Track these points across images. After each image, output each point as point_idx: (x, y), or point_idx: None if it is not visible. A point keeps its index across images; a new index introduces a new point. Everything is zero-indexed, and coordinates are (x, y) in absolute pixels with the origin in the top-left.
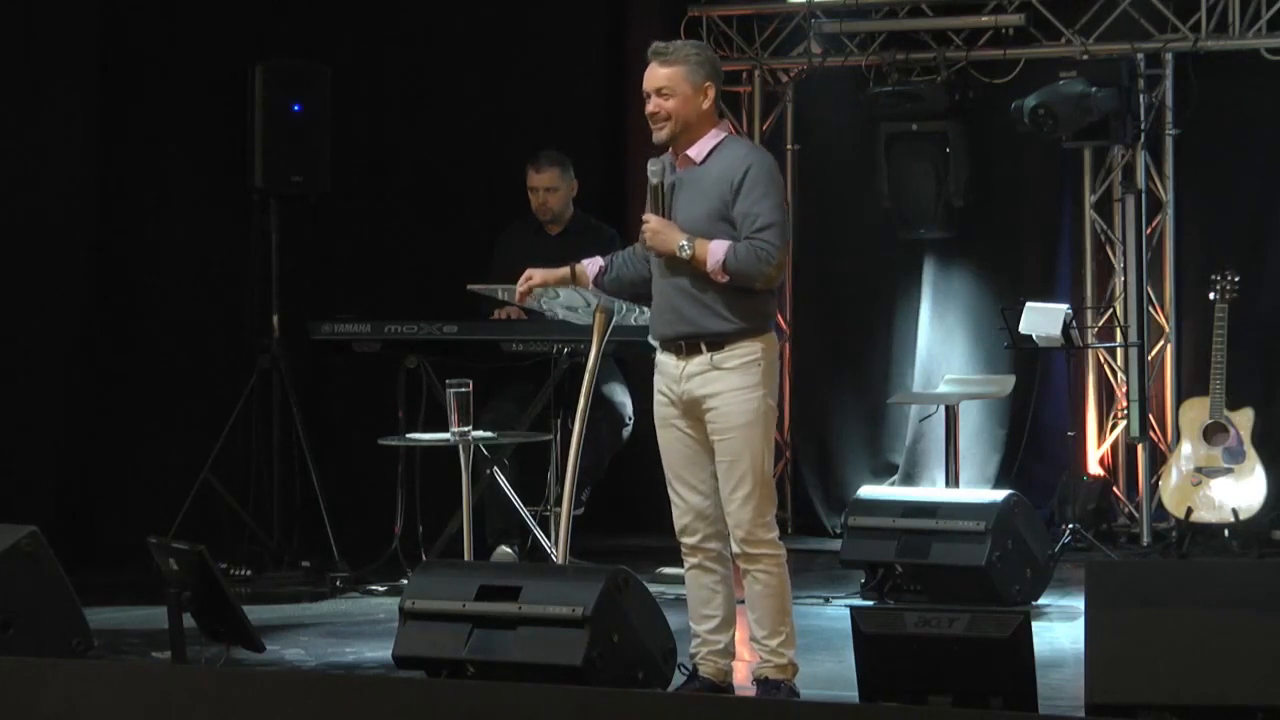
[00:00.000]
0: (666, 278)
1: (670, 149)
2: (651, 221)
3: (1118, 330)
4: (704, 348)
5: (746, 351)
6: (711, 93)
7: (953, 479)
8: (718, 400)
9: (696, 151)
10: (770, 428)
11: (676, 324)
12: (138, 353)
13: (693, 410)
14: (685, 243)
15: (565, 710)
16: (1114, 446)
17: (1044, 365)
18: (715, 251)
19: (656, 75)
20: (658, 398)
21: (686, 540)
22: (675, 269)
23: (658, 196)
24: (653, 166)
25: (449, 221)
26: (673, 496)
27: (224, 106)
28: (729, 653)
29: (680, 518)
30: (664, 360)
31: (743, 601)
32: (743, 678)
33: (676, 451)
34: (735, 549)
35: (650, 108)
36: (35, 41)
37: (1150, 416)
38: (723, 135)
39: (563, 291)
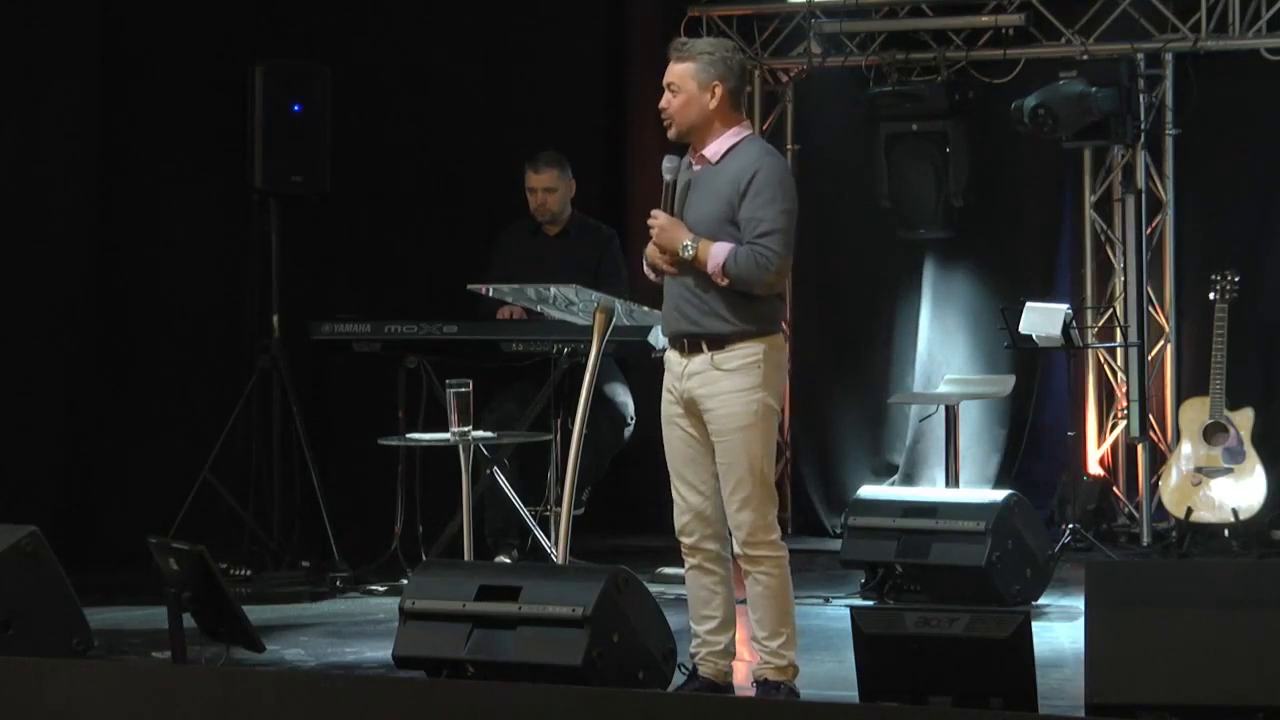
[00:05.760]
0: (674, 275)
1: (690, 146)
2: (660, 218)
3: (1118, 330)
4: (705, 347)
5: (748, 353)
6: (719, 92)
7: (953, 479)
8: (716, 401)
9: (712, 151)
10: (771, 430)
11: (680, 322)
12: (138, 352)
13: (693, 409)
14: (689, 242)
15: (565, 710)
16: (1114, 446)
17: (1044, 365)
18: (716, 254)
19: (670, 70)
20: (664, 395)
21: (685, 540)
22: (682, 267)
23: (669, 194)
24: (668, 163)
25: (449, 221)
26: (674, 495)
27: (224, 106)
28: (729, 653)
29: (679, 516)
30: (670, 357)
31: (744, 601)
32: (743, 678)
33: (679, 450)
34: (737, 549)
35: (662, 102)
36: (35, 41)
37: (1150, 416)
38: (742, 135)
39: (564, 290)
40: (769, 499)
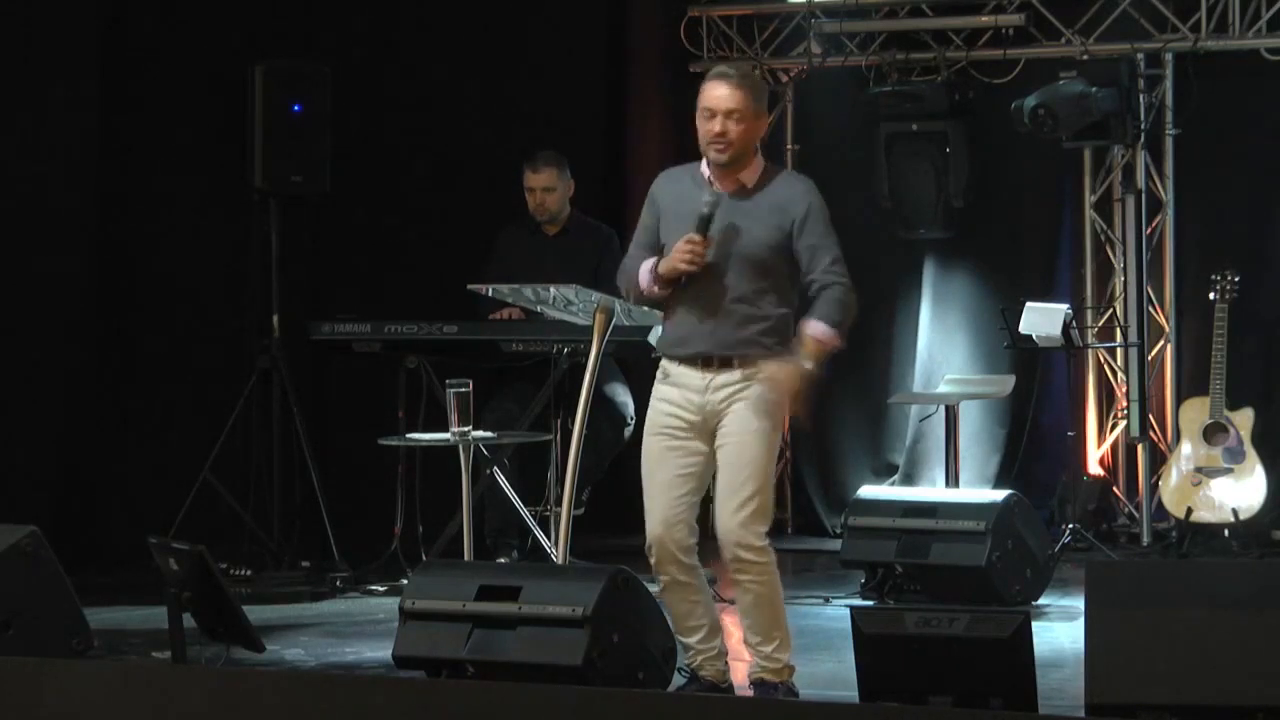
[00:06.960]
0: (698, 298)
1: (715, 173)
2: (795, 405)
3: (1118, 330)
4: (736, 364)
5: (773, 370)
6: (766, 123)
7: (953, 479)
8: (738, 405)
9: (748, 177)
10: (776, 445)
11: (710, 344)
12: (138, 352)
13: (711, 421)
14: (808, 360)
15: (565, 710)
16: (1114, 446)
17: (1044, 365)
18: (818, 331)
19: (727, 97)
20: (662, 406)
21: (655, 552)
22: (709, 288)
23: (707, 226)
24: (706, 196)
25: (449, 221)
26: (650, 505)
27: (224, 106)
28: (724, 653)
29: (654, 528)
30: (683, 373)
31: (731, 601)
32: (742, 678)
33: (671, 461)
34: (726, 555)
35: (718, 128)
36: (35, 41)
37: (1150, 416)
38: (763, 161)
39: (562, 289)
40: (765, 508)
